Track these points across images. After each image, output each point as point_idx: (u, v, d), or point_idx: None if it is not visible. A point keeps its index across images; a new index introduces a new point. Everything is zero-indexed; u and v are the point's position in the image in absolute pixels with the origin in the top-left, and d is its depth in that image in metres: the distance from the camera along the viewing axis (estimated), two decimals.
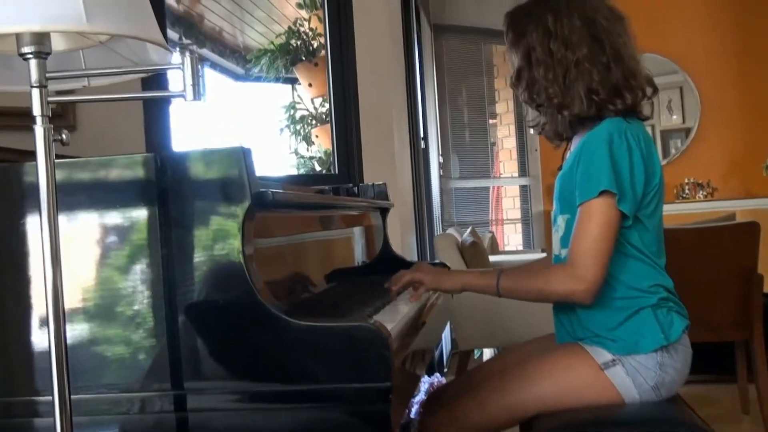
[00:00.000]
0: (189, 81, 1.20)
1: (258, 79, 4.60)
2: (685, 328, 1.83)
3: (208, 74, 4.49)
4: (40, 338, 1.39)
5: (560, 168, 1.96)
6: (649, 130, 1.92)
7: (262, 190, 1.37)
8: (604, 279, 1.75)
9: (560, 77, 1.87)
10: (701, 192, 6.81)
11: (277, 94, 4.76)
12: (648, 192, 1.81)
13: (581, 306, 1.82)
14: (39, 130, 1.17)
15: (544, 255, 3.32)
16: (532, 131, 2.14)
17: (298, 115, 4.58)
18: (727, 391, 3.87)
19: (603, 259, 1.74)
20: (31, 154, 1.22)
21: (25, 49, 1.17)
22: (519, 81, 1.97)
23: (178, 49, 1.27)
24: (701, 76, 6.98)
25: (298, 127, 4.56)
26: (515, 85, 1.99)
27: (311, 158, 4.51)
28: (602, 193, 1.73)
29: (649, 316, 1.79)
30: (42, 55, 1.18)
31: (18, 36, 1.17)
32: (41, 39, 1.17)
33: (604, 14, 1.89)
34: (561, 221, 1.90)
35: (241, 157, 1.35)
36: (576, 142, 1.92)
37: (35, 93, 1.17)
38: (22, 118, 1.96)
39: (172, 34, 3.97)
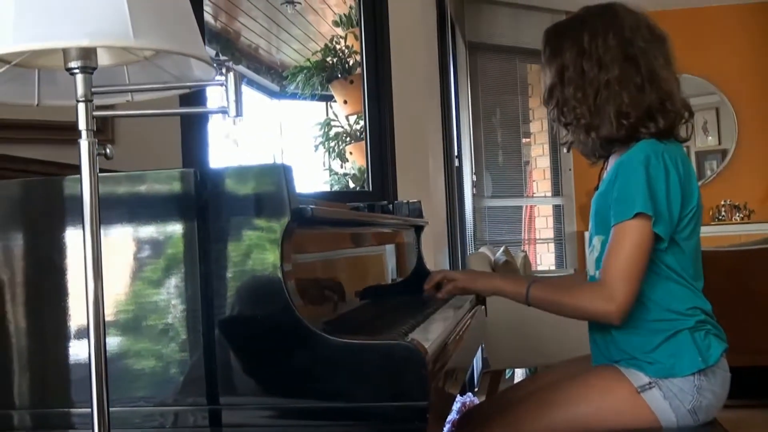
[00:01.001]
0: (231, 97, 1.20)
1: (293, 96, 4.63)
2: (723, 352, 1.81)
3: (244, 91, 4.52)
4: (78, 350, 1.39)
5: (596, 188, 1.95)
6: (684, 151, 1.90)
7: (301, 206, 1.38)
8: (634, 300, 1.74)
9: (590, 97, 1.86)
10: (738, 214, 6.73)
11: (313, 111, 4.79)
12: (685, 215, 1.79)
13: (617, 328, 1.80)
14: (84, 144, 1.17)
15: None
16: (563, 148, 2.13)
17: (332, 132, 4.60)
18: (764, 416, 3.81)
19: (634, 280, 1.72)
20: (71, 168, 1.23)
21: (72, 64, 1.18)
22: (550, 98, 1.97)
23: (215, 65, 1.28)
24: (738, 97, 6.91)
25: (332, 143, 4.57)
26: (546, 102, 1.99)
27: (345, 175, 4.52)
28: (637, 215, 1.72)
29: (687, 339, 1.77)
30: (88, 69, 1.19)
31: (65, 51, 1.18)
32: (88, 54, 1.18)
33: (642, 34, 1.87)
34: (596, 242, 1.88)
35: (281, 173, 1.35)
36: (612, 162, 1.90)
37: (81, 107, 1.17)
38: (63, 132, 1.99)
39: (209, 51, 4.01)
